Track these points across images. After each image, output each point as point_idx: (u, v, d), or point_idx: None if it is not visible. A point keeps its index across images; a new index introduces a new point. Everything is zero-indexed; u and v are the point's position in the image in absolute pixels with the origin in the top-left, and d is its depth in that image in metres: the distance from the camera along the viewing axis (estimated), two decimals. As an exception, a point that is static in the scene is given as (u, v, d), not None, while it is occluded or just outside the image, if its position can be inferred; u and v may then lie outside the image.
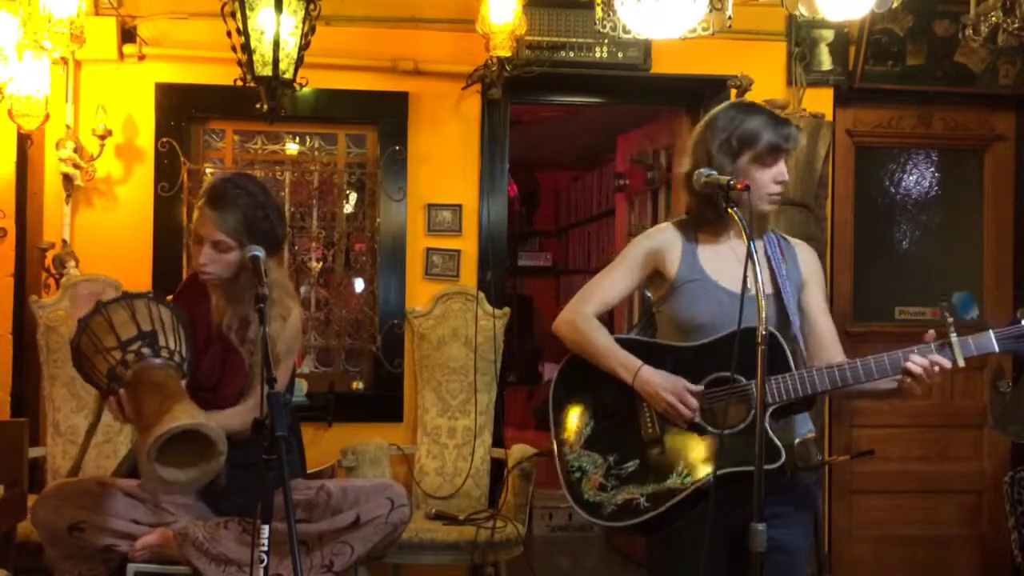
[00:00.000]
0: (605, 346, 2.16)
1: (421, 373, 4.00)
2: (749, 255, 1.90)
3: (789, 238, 2.31)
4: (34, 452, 3.45)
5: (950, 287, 4.39)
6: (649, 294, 2.30)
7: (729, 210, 1.99)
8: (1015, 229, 4.46)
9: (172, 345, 2.28)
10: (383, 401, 4.10)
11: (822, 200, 4.09)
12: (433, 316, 4.01)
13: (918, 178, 4.51)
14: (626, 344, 2.17)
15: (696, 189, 2.12)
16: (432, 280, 4.10)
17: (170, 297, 2.58)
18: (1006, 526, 3.82)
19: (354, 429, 3.97)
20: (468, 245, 4.14)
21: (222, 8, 3.40)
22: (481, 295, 4.03)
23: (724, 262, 2.16)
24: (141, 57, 4.00)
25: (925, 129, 4.42)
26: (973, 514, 4.43)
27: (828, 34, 4.20)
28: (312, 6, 3.47)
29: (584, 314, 2.20)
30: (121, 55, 3.97)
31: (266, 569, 1.94)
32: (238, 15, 3.38)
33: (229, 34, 3.42)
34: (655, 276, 2.21)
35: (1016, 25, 2.99)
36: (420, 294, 4.08)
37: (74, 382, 3.64)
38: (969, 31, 3.15)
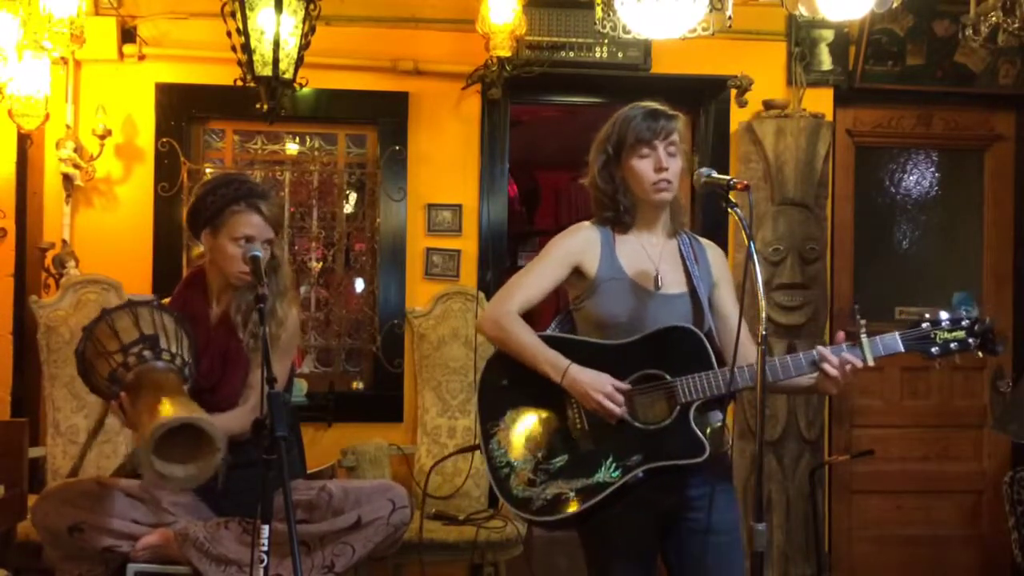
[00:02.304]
0: (531, 345, 2.17)
1: (421, 373, 4.00)
2: (750, 255, 1.91)
3: (700, 239, 2.33)
4: (34, 452, 3.45)
5: (950, 287, 4.39)
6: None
7: (730, 210, 2.02)
8: (1015, 229, 4.46)
9: (174, 349, 2.29)
10: (383, 401, 4.10)
11: (822, 200, 4.10)
12: (433, 316, 4.01)
13: (918, 178, 4.51)
14: (551, 341, 2.18)
15: (596, 190, 2.23)
16: (432, 280, 4.10)
17: (167, 300, 2.59)
18: (1006, 526, 3.82)
19: (354, 429, 3.97)
20: (468, 245, 4.14)
21: (222, 8, 3.40)
22: (481, 295, 4.02)
23: (640, 260, 2.20)
24: (141, 57, 4.00)
25: (925, 129, 4.42)
26: (973, 514, 4.43)
27: (828, 34, 4.20)
28: (312, 6, 3.47)
29: (508, 312, 2.20)
30: (121, 55, 3.97)
31: (266, 569, 1.95)
32: (238, 15, 3.38)
33: (229, 34, 3.42)
34: (574, 275, 2.23)
35: (1016, 25, 3.00)
36: (420, 294, 4.08)
37: (74, 382, 3.64)
38: (969, 31, 3.16)
